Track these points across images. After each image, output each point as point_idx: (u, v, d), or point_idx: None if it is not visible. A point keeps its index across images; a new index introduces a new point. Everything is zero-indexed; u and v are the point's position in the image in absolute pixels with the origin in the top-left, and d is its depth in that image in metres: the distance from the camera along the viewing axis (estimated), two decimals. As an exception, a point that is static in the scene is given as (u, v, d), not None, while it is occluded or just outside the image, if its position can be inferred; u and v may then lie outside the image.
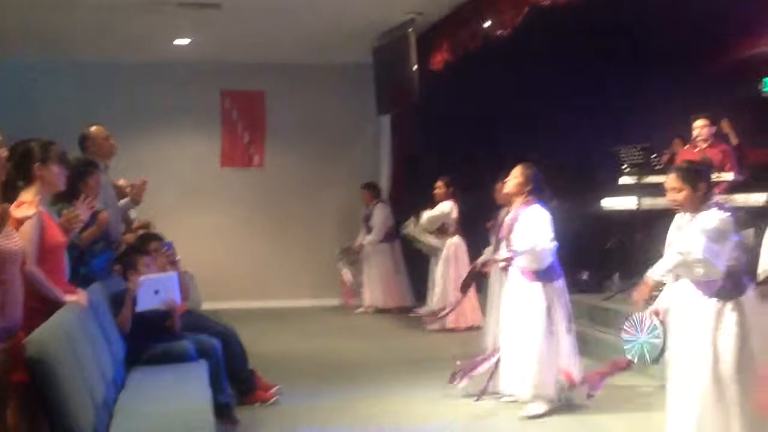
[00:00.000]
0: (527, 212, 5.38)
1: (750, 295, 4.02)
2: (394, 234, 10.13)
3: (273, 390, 5.79)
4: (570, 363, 5.43)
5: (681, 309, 4.11)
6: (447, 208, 8.75)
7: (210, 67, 10.48)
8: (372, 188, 10.29)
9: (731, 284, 3.96)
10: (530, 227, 5.34)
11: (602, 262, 8.70)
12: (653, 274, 4.17)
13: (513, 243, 5.45)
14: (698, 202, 4.04)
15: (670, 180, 4.12)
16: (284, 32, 9.22)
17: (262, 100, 10.96)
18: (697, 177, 4.07)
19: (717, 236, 3.90)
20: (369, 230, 10.19)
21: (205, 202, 10.69)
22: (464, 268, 8.69)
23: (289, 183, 10.94)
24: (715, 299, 3.96)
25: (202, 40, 9.48)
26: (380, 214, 10.11)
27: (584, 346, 7.39)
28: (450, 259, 8.83)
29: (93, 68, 10.17)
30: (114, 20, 8.46)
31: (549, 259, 5.38)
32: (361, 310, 10.17)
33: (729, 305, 3.94)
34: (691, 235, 3.98)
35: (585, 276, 8.54)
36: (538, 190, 5.45)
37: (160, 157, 10.42)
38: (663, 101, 8.83)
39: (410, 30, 8.67)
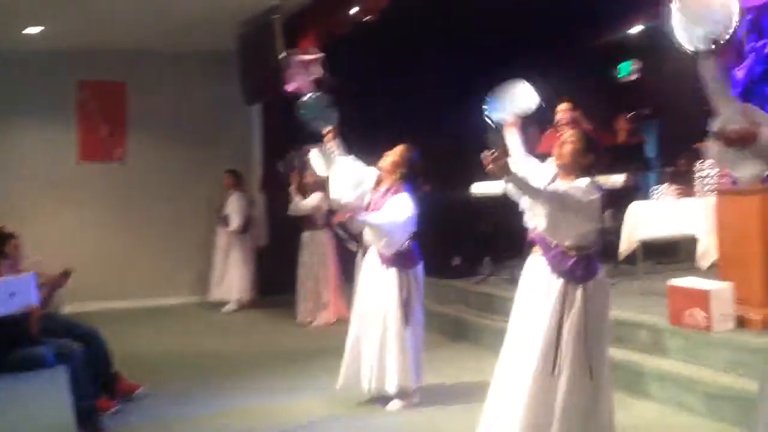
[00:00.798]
0: (394, 197, 5.30)
1: (600, 278, 3.92)
2: (249, 225, 9.99)
3: (138, 391, 5.61)
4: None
5: (528, 288, 4.00)
6: (317, 199, 8.58)
7: (66, 57, 9.95)
8: (232, 175, 10.03)
9: (583, 268, 3.85)
10: (390, 208, 5.25)
11: (473, 246, 8.84)
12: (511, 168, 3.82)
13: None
14: (578, 168, 3.94)
15: (569, 134, 4.04)
16: (145, 19, 8.83)
17: (122, 90, 10.50)
18: (592, 146, 3.99)
19: (572, 203, 3.79)
20: (221, 220, 9.95)
21: (63, 199, 10.16)
22: (333, 263, 8.68)
23: (154, 177, 10.54)
24: (563, 280, 3.84)
25: (56, 29, 8.95)
26: (235, 203, 9.87)
27: (458, 329, 7.55)
28: (318, 253, 8.71)
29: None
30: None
31: (400, 241, 5.26)
32: (230, 306, 9.86)
33: (578, 289, 3.83)
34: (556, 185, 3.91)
35: (457, 261, 8.65)
36: (410, 175, 5.39)
37: (12, 152, 9.91)
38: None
39: (276, 16, 8.48)
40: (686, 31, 2.75)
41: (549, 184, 4.02)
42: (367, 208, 5.39)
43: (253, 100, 9.95)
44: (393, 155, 5.42)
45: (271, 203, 10.43)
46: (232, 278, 9.88)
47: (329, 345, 7.16)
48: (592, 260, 3.91)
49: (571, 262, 3.83)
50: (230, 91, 10.10)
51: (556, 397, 3.78)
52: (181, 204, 10.51)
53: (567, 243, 3.84)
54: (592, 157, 3.96)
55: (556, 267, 3.86)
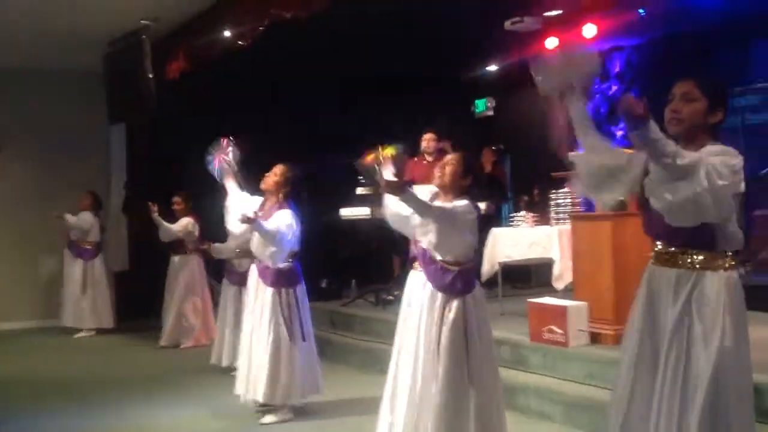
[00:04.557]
0: (278, 214, 5.38)
1: (477, 291, 4.14)
2: (95, 251, 9.69)
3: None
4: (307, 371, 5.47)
5: (411, 302, 4.16)
6: (187, 225, 8.43)
7: None
8: (91, 195, 9.70)
9: (462, 282, 4.06)
10: (277, 219, 5.33)
11: (340, 269, 9.02)
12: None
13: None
14: (457, 189, 4.12)
15: (450, 157, 4.23)
16: (9, 37, 8.55)
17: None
18: (471, 169, 4.19)
19: (458, 221, 4.00)
20: (70, 244, 9.63)
21: None
22: (201, 287, 8.60)
23: (11, 195, 10.11)
24: (443, 294, 4.01)
25: None
26: (87, 219, 9.54)
27: (324, 349, 7.67)
28: (186, 277, 8.60)
29: None
30: None
31: (285, 251, 5.35)
32: (84, 333, 9.52)
33: (457, 301, 4.00)
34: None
35: (324, 284, 8.80)
36: (294, 193, 5.50)
37: None
38: (393, 119, 9.35)
39: (144, 37, 8.40)
40: (549, 78, 2.97)
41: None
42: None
43: (118, 119, 9.76)
44: (274, 175, 5.49)
45: (133, 226, 10.20)
46: (87, 303, 9.53)
47: (199, 366, 7.17)
48: (470, 274, 4.16)
49: (450, 276, 4.04)
50: (92, 111, 9.89)
51: (432, 406, 3.93)
52: (38, 224, 10.01)
53: (449, 258, 4.05)
54: (471, 179, 4.19)
55: (437, 282, 4.05)
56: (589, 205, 7.16)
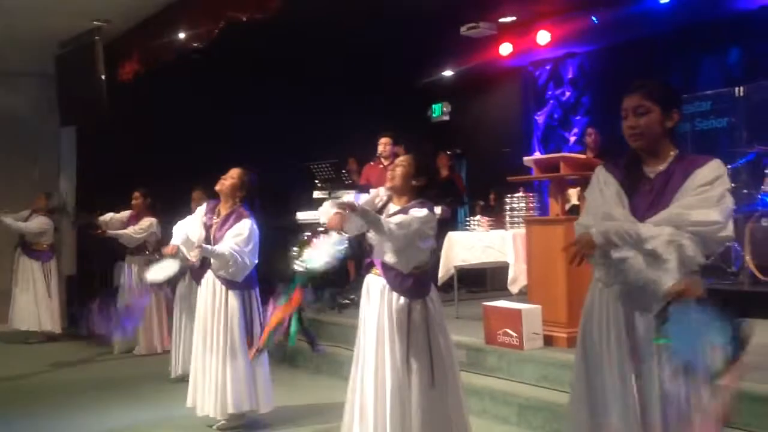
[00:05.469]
0: (236, 227, 5.22)
1: (434, 292, 4.15)
2: (50, 254, 9.50)
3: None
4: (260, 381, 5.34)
5: (370, 306, 4.12)
6: (150, 224, 8.24)
7: None
8: (45, 198, 9.49)
9: (421, 284, 4.07)
10: (235, 235, 5.19)
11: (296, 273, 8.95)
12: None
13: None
14: (410, 190, 4.10)
15: (400, 159, 4.18)
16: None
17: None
18: (424, 169, 4.15)
19: (416, 237, 3.96)
20: (23, 245, 9.41)
21: None
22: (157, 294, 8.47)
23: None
24: (404, 298, 4.01)
25: None
26: (37, 223, 9.33)
27: (278, 354, 7.63)
28: (141, 281, 8.44)
29: None
30: None
31: (246, 268, 5.21)
32: (35, 337, 9.33)
33: (418, 304, 4.01)
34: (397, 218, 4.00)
35: (280, 288, 8.72)
36: (250, 198, 5.36)
37: None
38: (351, 122, 9.37)
39: (97, 38, 8.29)
40: None
41: (382, 209, 4.17)
42: (208, 231, 5.33)
43: (69, 122, 9.60)
44: (230, 178, 5.34)
45: (81, 231, 10.02)
46: (36, 307, 9.31)
47: (154, 372, 7.07)
48: (427, 276, 4.17)
49: (410, 281, 4.03)
50: (42, 113, 9.72)
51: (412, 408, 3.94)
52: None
53: (410, 267, 4.03)
54: (425, 180, 4.14)
55: (397, 287, 4.04)
56: (542, 209, 7.26)
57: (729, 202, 2.83)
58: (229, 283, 5.27)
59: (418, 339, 3.99)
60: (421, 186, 4.13)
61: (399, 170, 4.12)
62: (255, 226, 5.28)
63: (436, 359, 4.00)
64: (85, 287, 9.59)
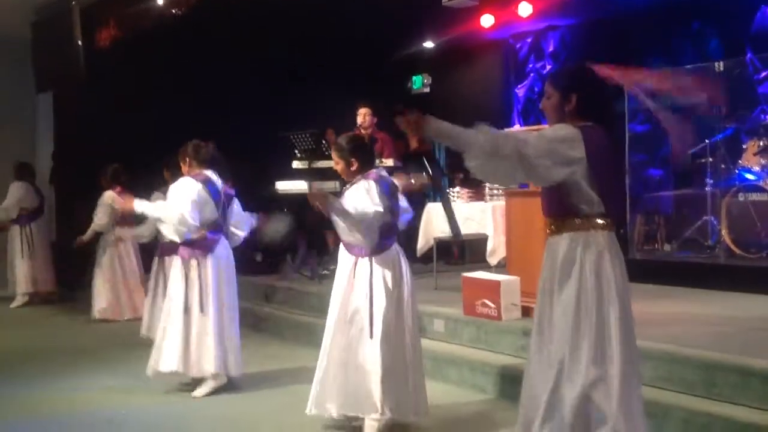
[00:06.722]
0: (171, 187, 5.41)
1: (388, 252, 4.39)
2: (32, 216, 9.49)
3: None
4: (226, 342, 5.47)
5: (340, 271, 4.46)
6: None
7: None
8: (20, 166, 9.48)
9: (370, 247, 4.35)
10: (171, 197, 5.34)
11: (275, 243, 8.94)
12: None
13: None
14: (351, 174, 4.42)
15: (334, 155, 4.52)
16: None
17: None
18: (350, 153, 4.42)
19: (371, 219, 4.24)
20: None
21: None
22: (132, 260, 8.46)
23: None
24: (354, 257, 4.36)
25: None
26: (14, 193, 9.33)
27: (259, 323, 7.67)
28: (118, 249, 8.46)
29: None
30: None
31: (183, 232, 5.29)
32: (17, 301, 9.41)
33: (367, 262, 4.32)
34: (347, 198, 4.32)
35: (259, 258, 8.74)
36: (209, 166, 5.52)
37: None
38: (331, 93, 9.29)
39: (74, 3, 8.18)
40: None
41: (344, 196, 4.38)
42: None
43: (45, 88, 9.48)
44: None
45: (60, 197, 9.96)
46: (24, 268, 9.42)
47: (131, 339, 7.06)
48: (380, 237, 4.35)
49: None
50: (16, 79, 9.58)
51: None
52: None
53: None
54: (358, 157, 4.42)
55: (352, 250, 4.40)
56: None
57: (547, 134, 3.21)
58: (180, 252, 5.45)
59: (360, 295, 4.32)
60: (361, 163, 4.43)
61: (338, 167, 4.50)
62: (195, 187, 5.36)
63: (377, 313, 4.27)
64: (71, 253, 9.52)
